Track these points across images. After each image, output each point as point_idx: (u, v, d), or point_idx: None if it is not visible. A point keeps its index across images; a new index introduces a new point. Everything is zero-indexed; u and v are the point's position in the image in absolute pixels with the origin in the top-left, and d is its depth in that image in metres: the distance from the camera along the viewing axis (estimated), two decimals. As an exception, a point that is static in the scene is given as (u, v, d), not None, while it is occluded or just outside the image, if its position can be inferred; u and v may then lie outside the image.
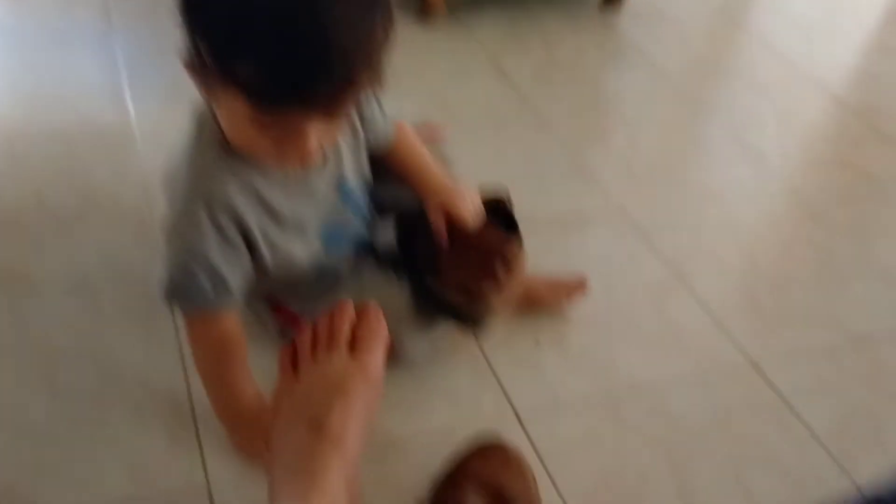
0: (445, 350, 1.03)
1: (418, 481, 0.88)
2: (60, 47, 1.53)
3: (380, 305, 0.81)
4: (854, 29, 2.09)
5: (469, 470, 0.86)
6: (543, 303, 1.12)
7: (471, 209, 0.98)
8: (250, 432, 0.88)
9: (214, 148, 0.80)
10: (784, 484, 0.95)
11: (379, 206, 1.02)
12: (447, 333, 1.01)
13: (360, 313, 0.77)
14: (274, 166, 0.82)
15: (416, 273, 0.99)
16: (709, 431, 1.00)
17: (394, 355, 0.85)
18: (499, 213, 1.01)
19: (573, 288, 1.12)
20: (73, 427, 0.90)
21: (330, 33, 0.66)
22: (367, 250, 1.01)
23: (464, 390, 1.01)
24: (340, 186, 0.91)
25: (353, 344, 0.75)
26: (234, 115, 0.73)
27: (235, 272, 0.83)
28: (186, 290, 0.81)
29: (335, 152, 0.88)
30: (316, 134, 0.73)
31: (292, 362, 0.76)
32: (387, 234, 1.05)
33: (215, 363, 0.87)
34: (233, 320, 0.86)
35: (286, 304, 0.99)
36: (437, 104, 1.52)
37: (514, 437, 0.93)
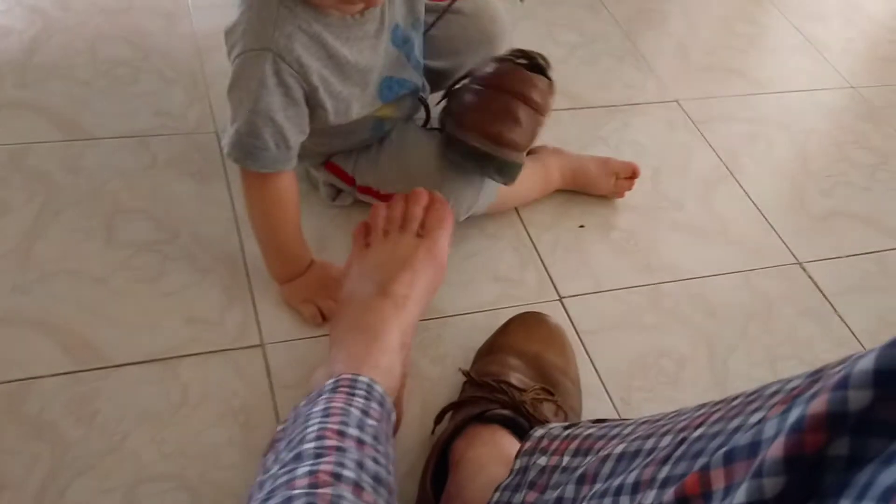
0: (490, 207, 1.02)
1: (462, 353, 0.91)
2: None
3: (422, 161, 0.92)
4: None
5: (512, 342, 0.88)
6: (591, 183, 1.11)
7: None
8: (300, 285, 0.91)
9: None
10: (817, 378, 0.97)
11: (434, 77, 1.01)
12: (489, 189, 0.99)
13: (431, 201, 0.84)
14: (336, 10, 0.80)
15: (443, 123, 0.97)
16: (748, 323, 1.02)
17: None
18: (532, 67, 0.96)
19: (624, 175, 1.11)
20: (130, 276, 0.92)
21: None
22: (419, 103, 1.00)
23: (508, 270, 1.02)
24: (394, 32, 0.89)
25: (422, 228, 0.82)
26: None
27: (296, 131, 0.83)
28: (251, 149, 0.82)
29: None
30: None
31: (366, 236, 0.82)
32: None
33: (270, 219, 0.88)
34: (290, 179, 0.87)
35: (336, 160, 0.99)
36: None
37: (555, 317, 0.95)
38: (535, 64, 0.95)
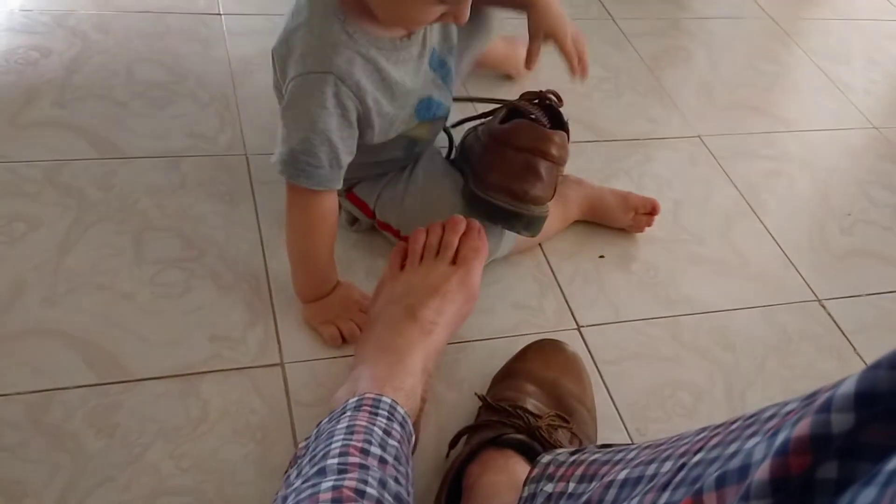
0: (511, 250, 1.04)
1: (479, 378, 0.91)
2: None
3: (447, 212, 0.92)
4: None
5: (529, 369, 0.89)
6: (610, 215, 1.12)
7: (570, 38, 0.99)
8: (323, 306, 0.93)
9: (331, 14, 0.81)
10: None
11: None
12: (509, 237, 1.01)
13: (468, 230, 0.86)
14: (384, 33, 0.84)
15: (466, 179, 0.99)
16: (766, 358, 1.02)
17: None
18: (545, 107, 1.00)
19: (643, 210, 1.11)
20: (156, 292, 0.94)
21: None
22: (445, 130, 1.04)
23: (527, 298, 1.03)
24: (432, 55, 0.93)
25: (457, 257, 0.84)
26: None
27: (347, 152, 0.86)
28: (305, 166, 0.84)
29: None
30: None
31: (401, 260, 0.84)
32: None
33: (309, 237, 0.90)
34: (334, 199, 0.89)
35: (359, 191, 1.01)
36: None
37: (573, 346, 0.95)
38: (546, 105, 0.98)
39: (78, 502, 0.76)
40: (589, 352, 0.98)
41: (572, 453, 0.67)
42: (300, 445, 0.67)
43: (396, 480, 0.60)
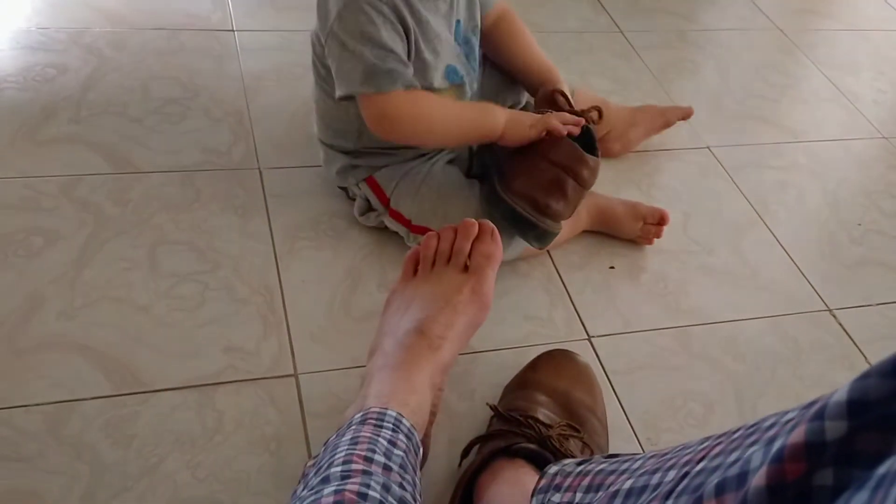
0: (517, 256, 1.05)
1: (491, 389, 0.92)
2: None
3: (462, 208, 0.96)
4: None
5: (540, 379, 0.89)
6: (619, 225, 1.12)
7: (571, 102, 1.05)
8: (518, 116, 0.99)
9: None
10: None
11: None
12: (518, 243, 1.02)
13: (481, 233, 0.83)
14: None
15: (490, 177, 1.01)
16: (777, 368, 1.02)
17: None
18: (582, 131, 1.01)
19: (651, 220, 1.12)
20: (171, 305, 0.95)
21: None
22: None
23: (538, 308, 1.04)
24: (457, 26, 0.99)
25: (470, 261, 0.82)
26: None
27: (406, 59, 0.93)
28: (389, 72, 0.90)
29: None
30: None
31: (414, 266, 0.83)
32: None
33: (438, 108, 0.96)
34: (420, 90, 0.94)
35: (379, 177, 1.03)
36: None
37: (584, 356, 0.96)
38: (585, 130, 1.01)
39: (95, 512, 0.77)
40: (599, 362, 0.98)
41: (579, 463, 0.67)
42: (308, 464, 0.68)
43: (401, 486, 0.60)
